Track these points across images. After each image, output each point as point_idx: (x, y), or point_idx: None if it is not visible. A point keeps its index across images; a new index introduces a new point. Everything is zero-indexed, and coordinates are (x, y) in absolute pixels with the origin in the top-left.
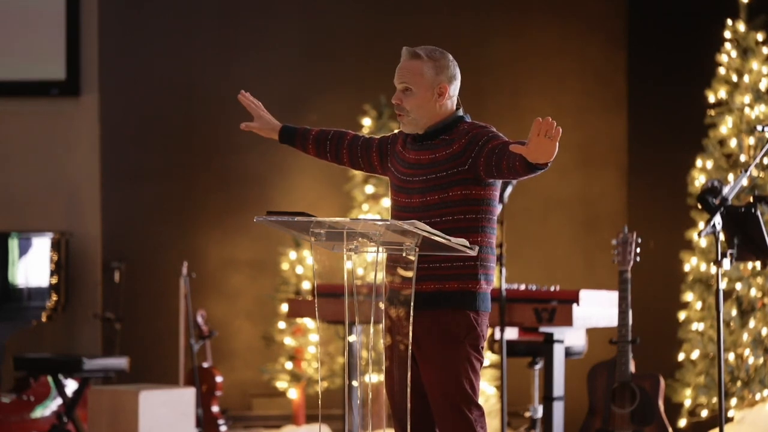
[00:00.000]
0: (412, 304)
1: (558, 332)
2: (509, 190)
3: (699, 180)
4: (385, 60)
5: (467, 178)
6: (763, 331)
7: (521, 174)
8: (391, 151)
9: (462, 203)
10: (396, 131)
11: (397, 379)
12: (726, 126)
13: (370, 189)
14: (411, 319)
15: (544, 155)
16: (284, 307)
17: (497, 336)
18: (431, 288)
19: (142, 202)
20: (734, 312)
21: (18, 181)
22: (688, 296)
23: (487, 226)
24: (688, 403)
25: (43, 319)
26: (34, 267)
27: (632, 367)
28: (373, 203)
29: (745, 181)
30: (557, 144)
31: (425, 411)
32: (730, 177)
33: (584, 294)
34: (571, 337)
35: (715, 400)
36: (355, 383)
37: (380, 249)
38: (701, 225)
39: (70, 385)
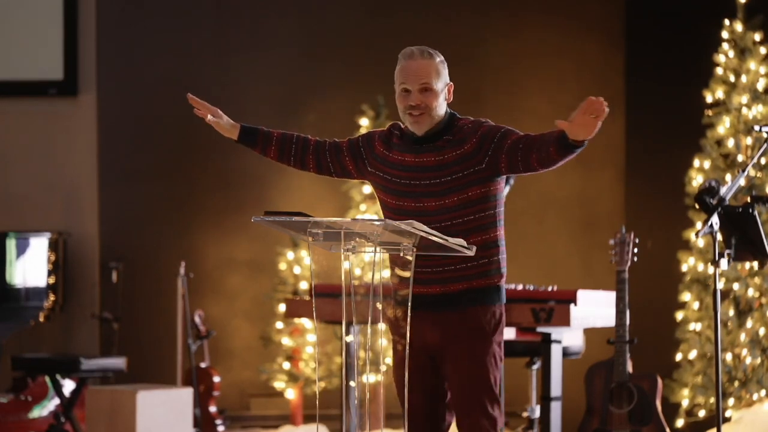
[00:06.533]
0: (410, 305)
1: (556, 332)
2: (507, 189)
3: (696, 180)
4: (382, 60)
5: (484, 176)
6: (761, 331)
7: (555, 160)
8: (369, 154)
9: (480, 201)
10: (365, 132)
11: (408, 380)
12: (723, 126)
13: (367, 189)
14: (408, 320)
15: (585, 132)
16: (282, 307)
17: None
18: (459, 288)
19: (140, 202)
20: (732, 312)
21: (16, 181)
22: (686, 296)
23: (500, 220)
24: (685, 403)
25: (41, 319)
26: (31, 267)
27: (630, 367)
28: (370, 203)
29: (742, 181)
30: (599, 123)
31: (434, 413)
32: (728, 177)
33: (582, 294)
34: (569, 337)
35: (712, 400)
36: (352, 383)
37: (378, 249)
38: (699, 225)
39: (68, 385)
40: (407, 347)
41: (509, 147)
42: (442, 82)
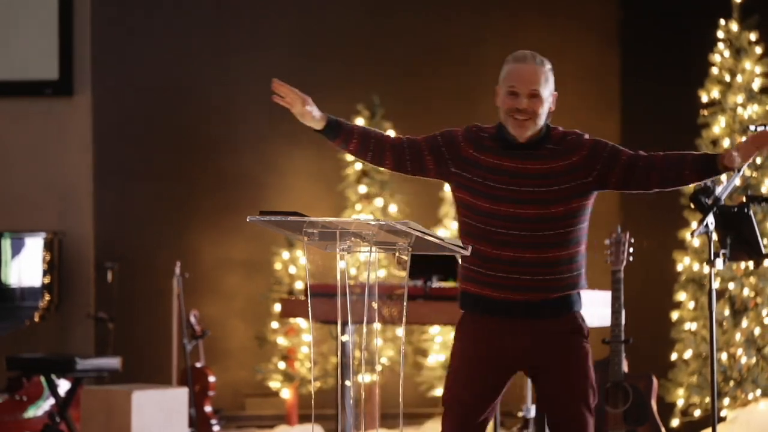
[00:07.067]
0: (405, 303)
1: None
2: None
3: None
4: (381, 60)
5: (588, 189)
6: (756, 331)
7: (687, 182)
8: (455, 155)
9: (579, 214)
10: (440, 131)
11: (471, 380)
12: (719, 126)
13: (363, 189)
14: (405, 319)
15: (742, 162)
16: (277, 307)
17: None
18: (556, 296)
19: (135, 201)
20: (727, 312)
21: (11, 181)
22: (681, 296)
23: (588, 232)
24: (681, 402)
25: (36, 319)
26: (27, 267)
27: (625, 367)
28: (366, 203)
29: (737, 181)
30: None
31: (481, 415)
32: (723, 177)
33: None
34: None
35: (707, 399)
36: (348, 383)
37: (373, 249)
38: (694, 225)
39: (63, 385)
40: (403, 347)
41: (625, 164)
42: (548, 91)
